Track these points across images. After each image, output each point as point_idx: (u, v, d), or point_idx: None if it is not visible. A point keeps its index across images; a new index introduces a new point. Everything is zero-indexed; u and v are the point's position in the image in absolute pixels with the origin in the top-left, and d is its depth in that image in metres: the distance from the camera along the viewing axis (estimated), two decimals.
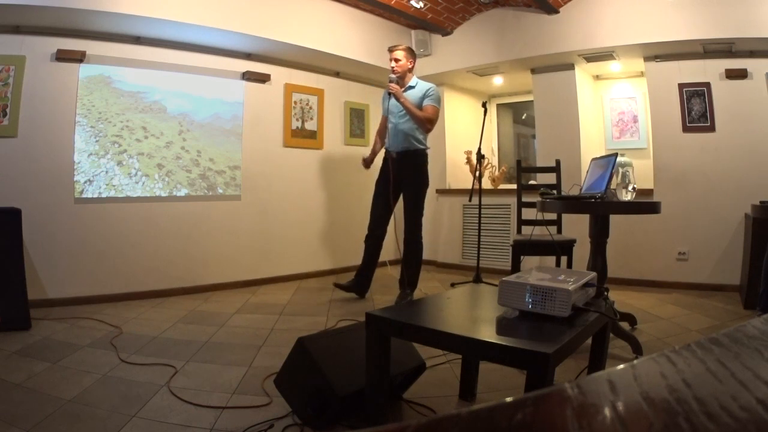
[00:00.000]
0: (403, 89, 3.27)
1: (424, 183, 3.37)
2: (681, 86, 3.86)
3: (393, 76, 3.26)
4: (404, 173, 3.30)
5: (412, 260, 3.38)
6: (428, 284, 4.07)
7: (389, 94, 3.25)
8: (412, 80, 3.33)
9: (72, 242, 3.25)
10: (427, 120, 3.23)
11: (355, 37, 4.27)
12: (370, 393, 1.44)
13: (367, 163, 3.54)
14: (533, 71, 4.53)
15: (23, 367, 2.03)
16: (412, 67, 3.35)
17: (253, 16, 3.65)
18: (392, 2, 4.16)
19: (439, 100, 3.32)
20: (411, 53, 3.34)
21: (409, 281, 3.37)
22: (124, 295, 3.38)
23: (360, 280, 3.45)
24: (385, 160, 3.40)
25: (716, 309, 3.17)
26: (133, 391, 1.82)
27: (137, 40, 3.49)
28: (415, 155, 3.30)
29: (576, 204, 2.43)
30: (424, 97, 3.25)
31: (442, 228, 5.10)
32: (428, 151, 3.40)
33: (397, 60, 3.29)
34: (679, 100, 3.87)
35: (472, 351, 1.47)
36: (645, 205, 2.52)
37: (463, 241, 4.92)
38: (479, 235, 3.97)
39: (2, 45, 3.04)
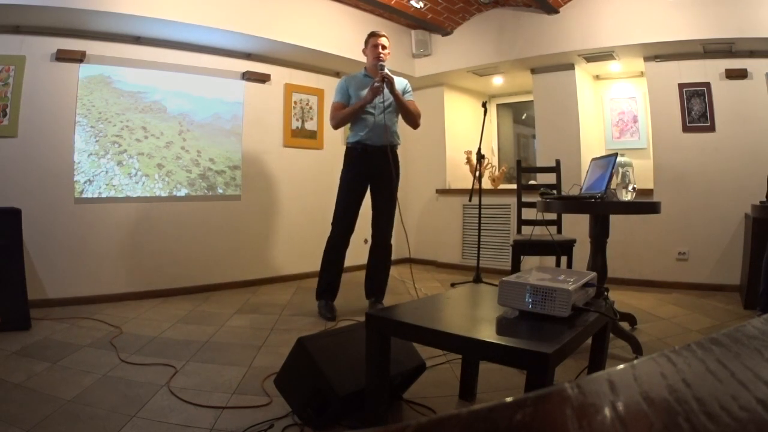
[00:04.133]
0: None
1: (398, 181, 3.12)
2: (681, 86, 3.86)
3: (383, 63, 2.95)
4: (384, 170, 2.98)
5: (388, 264, 3.14)
6: (428, 284, 4.08)
7: (382, 82, 2.87)
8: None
9: (72, 242, 3.25)
10: (419, 115, 3.11)
11: (355, 37, 4.25)
12: (370, 393, 1.44)
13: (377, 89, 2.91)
14: (533, 71, 4.53)
15: (23, 367, 2.03)
16: None
17: (253, 16, 3.65)
18: (392, 2, 4.16)
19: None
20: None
21: (381, 289, 3.11)
22: (124, 295, 3.38)
23: (333, 295, 3.08)
24: (360, 156, 3.02)
25: (716, 309, 3.17)
26: (133, 391, 1.82)
27: (137, 40, 3.49)
28: (395, 151, 3.09)
29: (576, 204, 2.43)
30: (403, 92, 3.06)
31: (442, 228, 5.10)
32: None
33: (384, 47, 3.01)
34: (679, 100, 3.87)
35: (472, 351, 1.47)
36: (645, 205, 2.52)
37: (463, 241, 4.92)
38: (479, 235, 3.97)
39: (2, 45, 3.04)
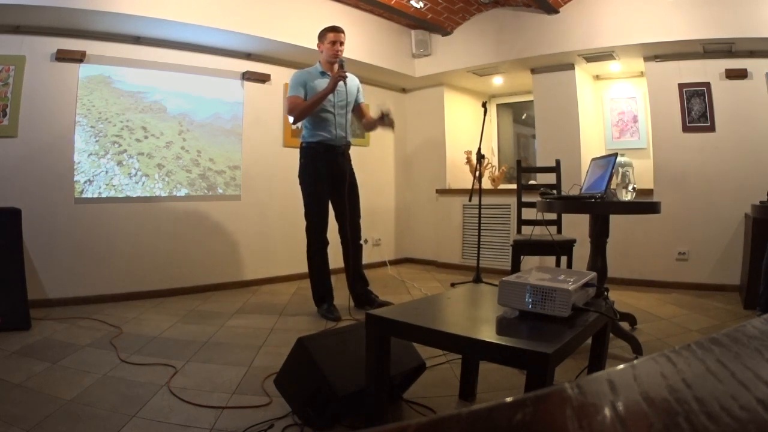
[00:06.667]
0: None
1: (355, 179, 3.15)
2: (681, 86, 3.86)
3: (342, 60, 2.88)
4: (347, 167, 3.03)
5: (361, 255, 3.17)
6: (428, 284, 4.07)
7: (339, 81, 2.83)
8: None
9: (72, 242, 3.25)
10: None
11: (355, 37, 4.26)
12: (370, 393, 1.44)
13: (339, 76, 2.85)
14: (533, 71, 4.53)
15: (23, 367, 2.03)
16: None
17: (253, 16, 3.65)
18: (392, 2, 4.16)
19: None
20: None
21: (365, 279, 3.16)
22: (124, 295, 3.38)
23: (332, 297, 3.07)
24: (322, 156, 2.99)
25: (716, 309, 3.17)
26: (133, 391, 1.82)
27: (137, 40, 3.49)
28: (348, 150, 3.10)
29: (576, 204, 2.43)
30: (357, 91, 3.08)
31: (442, 228, 5.10)
32: None
33: (342, 43, 2.96)
34: (679, 100, 3.87)
35: (472, 351, 1.47)
36: (645, 205, 2.52)
37: (463, 241, 4.92)
38: (479, 235, 3.97)
39: (2, 45, 3.04)
